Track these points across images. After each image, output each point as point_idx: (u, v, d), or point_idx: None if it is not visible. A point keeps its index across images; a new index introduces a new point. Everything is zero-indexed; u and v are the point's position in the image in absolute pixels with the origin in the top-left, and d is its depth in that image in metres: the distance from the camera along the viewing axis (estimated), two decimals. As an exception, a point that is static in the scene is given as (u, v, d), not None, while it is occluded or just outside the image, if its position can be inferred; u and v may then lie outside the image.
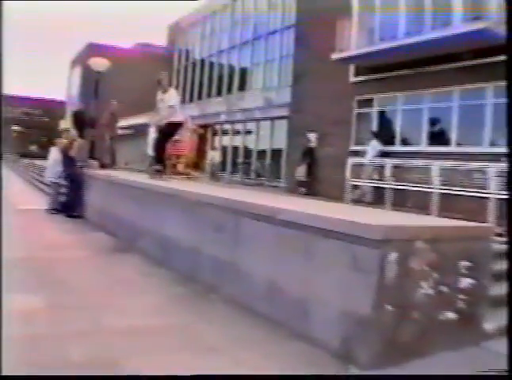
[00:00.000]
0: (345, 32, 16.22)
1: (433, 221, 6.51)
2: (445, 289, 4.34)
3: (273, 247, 5.07)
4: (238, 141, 28.85)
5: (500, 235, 8.03)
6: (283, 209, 5.14)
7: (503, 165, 11.31)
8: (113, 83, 28.54)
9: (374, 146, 15.49)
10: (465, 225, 5.26)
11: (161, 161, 9.93)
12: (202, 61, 33.84)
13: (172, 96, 9.67)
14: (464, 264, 4.50)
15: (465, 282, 4.51)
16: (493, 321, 4.92)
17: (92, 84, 18.76)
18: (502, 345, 4.60)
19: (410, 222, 5.06)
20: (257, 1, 27.61)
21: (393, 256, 3.93)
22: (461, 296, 4.50)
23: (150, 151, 12.59)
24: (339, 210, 6.49)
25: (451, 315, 4.42)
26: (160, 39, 41.90)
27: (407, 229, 4.36)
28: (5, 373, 3.21)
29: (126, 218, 8.99)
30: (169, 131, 9.75)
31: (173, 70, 35.99)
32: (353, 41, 16.23)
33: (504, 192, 10.95)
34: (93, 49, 39.45)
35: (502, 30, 12.13)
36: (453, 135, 14.16)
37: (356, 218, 4.48)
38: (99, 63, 18.03)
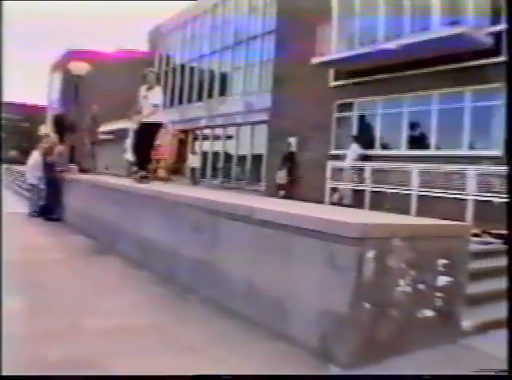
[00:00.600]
0: (325, 36, 16.31)
1: (410, 220, 6.52)
2: (422, 287, 4.35)
3: (251, 247, 5.06)
4: (218, 146, 28.84)
5: (477, 235, 8.15)
6: (260, 208, 5.13)
7: (481, 168, 11.48)
8: (94, 88, 28.40)
9: (354, 150, 15.59)
10: (442, 223, 5.27)
11: (143, 164, 9.37)
12: (183, 66, 33.83)
13: (157, 95, 9.20)
14: (442, 261, 4.51)
15: (443, 280, 4.53)
16: (470, 319, 4.95)
17: (72, 88, 18.67)
18: (479, 342, 4.69)
19: (388, 221, 5.08)
20: (238, 6, 27.65)
21: (371, 253, 3.93)
22: (439, 294, 4.51)
23: (129, 156, 12.53)
24: (317, 209, 6.48)
25: (429, 313, 4.43)
26: (141, 44, 41.83)
27: (384, 226, 4.37)
28: (5, 373, 3.20)
29: (105, 221, 8.95)
30: (149, 131, 9.05)
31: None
32: (332, 45, 16.34)
33: (482, 194, 11.10)
34: (74, 54, 39.20)
35: (479, 35, 12.37)
36: (433, 139, 14.29)
37: (333, 216, 4.48)
38: (79, 67, 17.95)
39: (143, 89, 9.15)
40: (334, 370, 3.83)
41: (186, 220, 6.28)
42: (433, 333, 4.47)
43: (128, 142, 13.33)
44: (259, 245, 4.94)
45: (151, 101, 8.92)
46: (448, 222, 5.36)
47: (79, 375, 3.35)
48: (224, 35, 28.92)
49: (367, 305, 3.95)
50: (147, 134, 9.12)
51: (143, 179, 8.92)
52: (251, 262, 5.02)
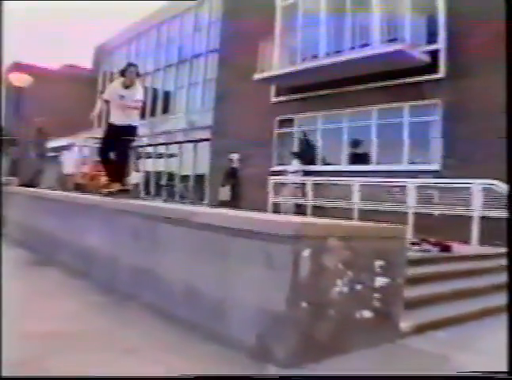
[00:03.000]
0: (267, 52, 16.47)
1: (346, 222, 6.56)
2: (360, 287, 4.36)
3: (189, 250, 5.02)
4: (161, 164, 28.59)
5: (416, 244, 8.30)
6: (197, 212, 5.10)
7: (420, 181, 11.75)
8: (38, 103, 27.91)
9: (295, 166, 15.73)
10: (378, 225, 5.32)
11: (118, 176, 8.11)
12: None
13: (139, 93, 8.00)
14: (379, 262, 4.52)
15: (380, 280, 4.54)
16: (409, 321, 4.97)
17: (13, 101, 18.25)
18: (417, 342, 4.73)
19: (323, 221, 5.08)
20: (183, 24, 27.65)
21: (306, 252, 3.91)
22: (376, 294, 4.53)
23: (65, 169, 12.21)
24: (255, 214, 6.47)
25: (367, 313, 4.43)
26: (86, 61, 41.31)
27: (319, 225, 4.39)
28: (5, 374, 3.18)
29: (45, 232, 8.75)
30: (123, 134, 7.90)
31: (97, 92, 35.52)
32: (274, 61, 16.52)
33: (421, 206, 11.37)
34: (18, 67, 38.35)
35: (417, 52, 12.72)
36: (373, 154, 14.52)
37: (269, 217, 4.47)
38: (20, 79, 17.59)
39: (117, 86, 8.04)
40: (272, 370, 3.78)
41: (126, 227, 6.23)
42: (372, 334, 4.48)
43: (66, 155, 13.05)
44: (198, 248, 4.91)
45: (134, 97, 7.83)
46: (384, 224, 5.39)
47: (79, 375, 3.35)
48: (168, 53, 28.85)
49: (304, 305, 3.93)
50: (119, 137, 7.91)
51: (119, 193, 7.73)
52: (190, 266, 4.97)
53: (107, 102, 8.26)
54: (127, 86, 7.89)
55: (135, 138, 8.42)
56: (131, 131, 8.03)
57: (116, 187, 7.94)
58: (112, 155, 8.13)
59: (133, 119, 8.03)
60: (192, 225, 4.95)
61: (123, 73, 8.04)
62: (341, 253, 4.17)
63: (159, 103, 29.22)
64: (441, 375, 3.83)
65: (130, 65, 8.25)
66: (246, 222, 4.40)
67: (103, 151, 8.23)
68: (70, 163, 21.08)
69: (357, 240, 4.38)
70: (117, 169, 8.13)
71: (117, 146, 7.98)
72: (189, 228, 4.99)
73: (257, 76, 16.81)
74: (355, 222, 5.41)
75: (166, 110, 28.46)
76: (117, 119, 7.97)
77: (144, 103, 8.37)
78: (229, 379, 3.60)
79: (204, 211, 5.11)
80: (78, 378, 3.35)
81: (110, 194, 7.76)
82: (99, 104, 8.70)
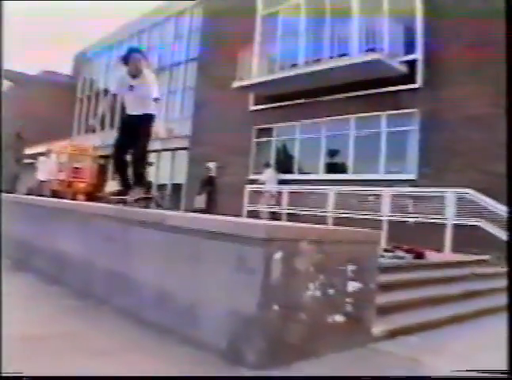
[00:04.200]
0: (246, 61, 16.53)
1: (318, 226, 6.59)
2: (332, 291, 4.36)
3: (162, 254, 5.01)
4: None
5: (389, 251, 8.36)
6: (171, 215, 5.08)
7: (395, 190, 11.87)
8: (17, 110, 27.67)
9: (271, 175, 15.79)
10: (350, 229, 5.35)
11: (139, 180, 6.81)
12: (106, 91, 33.33)
13: (153, 83, 6.70)
14: (351, 267, 4.54)
15: (352, 285, 4.55)
16: (381, 326, 5.00)
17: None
18: (388, 346, 4.75)
19: (295, 224, 5.10)
20: (164, 32, 27.64)
21: (278, 255, 3.91)
22: (348, 298, 4.53)
23: (41, 177, 12.02)
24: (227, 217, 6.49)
25: (338, 317, 4.44)
26: (66, 68, 41.08)
27: (291, 228, 4.41)
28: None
29: (18, 238, 8.56)
30: (143, 124, 6.70)
31: (76, 99, 35.35)
32: (253, 70, 16.58)
33: (396, 215, 11.47)
34: (-4, 73, 37.98)
35: (394, 62, 12.86)
36: (350, 163, 14.62)
37: (241, 220, 4.48)
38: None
39: (124, 76, 6.82)
40: (243, 372, 3.77)
41: (100, 231, 6.17)
42: (344, 337, 4.49)
43: (43, 161, 12.88)
44: (171, 251, 4.90)
45: (151, 93, 6.62)
46: (357, 228, 5.43)
47: (79, 376, 3.34)
48: (148, 61, 28.79)
49: (276, 307, 3.92)
50: (135, 132, 6.67)
51: (142, 202, 6.67)
52: (163, 269, 4.95)
53: (115, 96, 7.53)
54: (133, 75, 6.68)
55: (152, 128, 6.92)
56: (147, 120, 6.74)
57: (137, 194, 6.70)
58: (127, 157, 6.95)
59: (149, 108, 6.75)
60: (165, 228, 4.93)
61: (125, 60, 6.74)
62: (313, 257, 4.17)
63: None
64: (442, 376, 3.84)
65: (132, 50, 6.92)
66: (218, 224, 4.42)
67: (118, 151, 6.98)
68: (46, 170, 20.95)
69: (330, 244, 4.39)
70: (136, 171, 6.82)
71: (134, 144, 6.73)
72: (162, 231, 4.98)
73: (235, 84, 16.87)
74: (327, 226, 5.41)
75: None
76: (132, 110, 6.87)
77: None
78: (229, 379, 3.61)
79: (177, 214, 5.10)
80: (78, 378, 3.35)
81: (127, 203, 6.61)
82: (102, 106, 8.14)
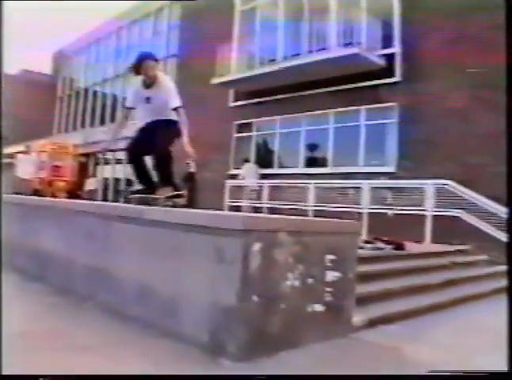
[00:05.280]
0: (225, 56, 16.52)
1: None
2: (311, 281, 4.39)
3: (143, 248, 4.99)
4: (120, 169, 28.34)
5: (369, 242, 8.44)
6: (150, 209, 5.07)
7: (374, 182, 11.96)
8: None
9: (250, 170, 15.82)
10: (329, 220, 5.40)
11: (166, 177, 6.31)
12: (86, 89, 33.12)
13: (171, 90, 6.04)
14: (330, 257, 4.57)
15: (331, 275, 4.59)
16: (361, 316, 5.05)
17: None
18: (369, 336, 4.81)
19: (273, 216, 5.13)
20: (143, 30, 27.52)
21: (256, 246, 3.93)
22: (328, 289, 4.56)
23: (20, 175, 11.82)
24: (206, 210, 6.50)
25: (319, 307, 4.47)
26: (45, 67, 40.67)
27: (269, 219, 4.43)
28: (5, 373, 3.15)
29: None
30: (165, 126, 6.13)
31: (56, 98, 35.10)
32: (233, 65, 16.57)
33: (375, 207, 11.56)
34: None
35: (372, 56, 12.94)
36: (330, 157, 14.69)
37: (219, 212, 4.50)
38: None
39: (139, 87, 6.18)
40: (225, 364, 3.79)
41: (80, 227, 6.13)
42: (324, 327, 4.52)
43: (22, 160, 12.72)
44: (150, 245, 4.88)
45: (162, 99, 5.99)
46: (335, 219, 5.47)
47: (79, 375, 3.33)
48: (128, 59, 28.63)
49: (255, 298, 3.94)
50: (155, 131, 6.11)
51: (172, 200, 6.24)
52: (143, 263, 4.94)
53: (130, 109, 6.48)
54: (148, 85, 6.07)
55: (176, 133, 6.18)
56: (167, 122, 6.12)
57: (167, 192, 6.26)
58: (145, 157, 6.45)
59: (170, 116, 6.11)
60: (144, 222, 4.93)
61: (137, 70, 6.06)
62: (291, 247, 4.20)
63: (119, 109, 28.98)
64: (441, 375, 3.88)
65: (142, 57, 6.09)
66: (196, 217, 4.43)
67: (133, 150, 6.38)
68: (26, 168, 20.81)
69: (308, 234, 4.42)
70: (161, 172, 6.32)
71: (154, 141, 6.07)
72: (141, 225, 4.97)
73: (215, 80, 16.88)
74: (306, 218, 5.43)
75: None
76: (150, 119, 6.30)
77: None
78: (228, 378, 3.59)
79: (155, 208, 5.10)
80: (78, 378, 3.34)
81: (157, 200, 6.18)
82: (119, 120, 7.05)
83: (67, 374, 3.34)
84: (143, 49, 26.63)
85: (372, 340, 4.74)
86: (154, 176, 6.41)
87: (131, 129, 6.63)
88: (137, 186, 6.60)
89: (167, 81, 6.14)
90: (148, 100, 6.08)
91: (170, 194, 6.23)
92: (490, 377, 3.73)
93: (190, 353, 3.99)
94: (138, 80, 6.17)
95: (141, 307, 4.85)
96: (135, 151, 6.34)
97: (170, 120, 6.08)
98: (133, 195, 6.58)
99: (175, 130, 6.07)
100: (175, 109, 5.98)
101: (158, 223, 4.74)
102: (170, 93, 5.97)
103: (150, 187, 6.37)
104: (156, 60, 6.14)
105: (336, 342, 4.51)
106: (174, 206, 6.11)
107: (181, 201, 6.39)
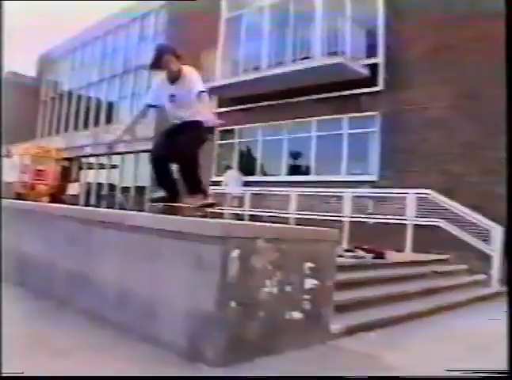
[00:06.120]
0: (209, 63, 16.53)
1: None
2: (289, 288, 4.40)
3: (123, 253, 4.99)
4: (103, 174, 28.24)
5: (350, 251, 8.48)
6: (131, 214, 5.07)
7: (356, 191, 12.03)
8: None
9: (232, 177, 15.83)
10: (307, 227, 5.43)
11: (192, 184, 5.96)
12: (70, 93, 32.97)
13: (195, 81, 5.48)
14: (309, 265, 4.59)
15: (310, 282, 4.61)
16: (340, 323, 5.08)
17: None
18: (347, 343, 4.84)
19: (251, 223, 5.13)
20: (129, 34, 27.47)
21: (235, 253, 3.94)
22: (306, 296, 4.58)
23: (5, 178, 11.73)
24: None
25: (297, 314, 4.48)
26: (30, 70, 40.42)
27: (247, 227, 4.45)
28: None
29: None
30: (191, 128, 5.62)
31: (39, 101, 34.92)
32: (217, 72, 16.59)
33: (357, 216, 11.62)
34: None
35: (356, 65, 13.03)
36: (312, 164, 14.77)
37: (198, 219, 4.51)
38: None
39: (163, 84, 5.68)
40: (203, 369, 3.79)
41: (61, 232, 6.10)
42: (303, 334, 4.54)
43: (4, 163, 12.62)
44: (131, 251, 4.88)
45: (187, 93, 5.46)
46: (314, 227, 5.48)
47: (79, 375, 3.35)
48: (113, 63, 28.58)
49: (233, 305, 3.95)
50: (180, 134, 5.67)
51: (199, 209, 5.84)
52: (123, 268, 4.94)
53: (150, 107, 6.03)
54: (173, 80, 5.57)
55: (203, 137, 5.91)
56: (193, 124, 5.62)
57: (195, 200, 5.90)
58: (169, 165, 5.97)
59: (198, 115, 5.56)
60: (125, 228, 4.92)
61: (157, 65, 5.57)
62: (270, 254, 4.21)
63: (103, 113, 28.90)
64: (442, 376, 3.90)
65: (160, 51, 5.62)
66: (176, 223, 4.43)
67: (157, 154, 5.95)
68: (8, 171, 20.68)
69: (287, 242, 4.44)
70: (187, 178, 5.92)
71: (179, 146, 5.67)
72: (122, 231, 4.96)
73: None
74: (285, 225, 5.45)
75: (109, 120, 28.13)
76: (177, 120, 5.85)
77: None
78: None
79: (136, 214, 5.10)
80: (78, 378, 3.35)
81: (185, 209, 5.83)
82: (135, 117, 6.55)
83: (67, 375, 3.35)
84: (129, 54, 26.77)
85: (349, 347, 4.77)
86: (179, 182, 6.02)
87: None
88: (158, 193, 6.20)
89: (192, 74, 5.55)
90: (173, 97, 5.60)
91: (201, 203, 5.86)
92: (491, 377, 3.78)
93: (168, 358, 3.99)
94: (160, 78, 5.72)
95: (120, 312, 4.84)
96: (159, 156, 5.87)
97: (197, 123, 5.56)
98: (156, 203, 6.18)
99: (202, 133, 5.74)
100: (198, 96, 5.40)
101: (138, 229, 4.73)
102: (194, 84, 5.43)
103: (173, 194, 5.95)
104: (175, 52, 5.60)
105: (314, 349, 4.53)
106: (205, 216, 5.77)
107: (212, 210, 5.91)
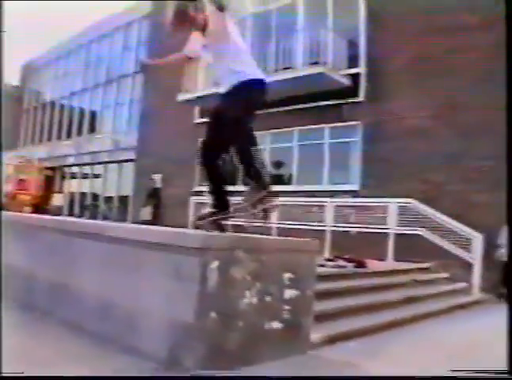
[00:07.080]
0: (192, 73, 16.54)
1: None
2: (269, 299, 4.41)
3: (103, 264, 4.97)
4: (86, 184, 28.10)
5: (331, 260, 8.52)
6: (111, 225, 5.07)
7: (338, 200, 12.09)
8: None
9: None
10: (286, 238, 5.46)
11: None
12: (53, 102, 32.80)
13: (223, 28, 4.56)
14: (288, 275, 4.61)
15: (289, 293, 4.62)
16: (320, 333, 5.11)
17: None
18: (328, 352, 4.87)
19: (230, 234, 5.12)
20: (113, 44, 27.43)
21: (214, 264, 3.96)
22: (286, 306, 4.59)
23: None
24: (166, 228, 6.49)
25: (277, 324, 4.49)
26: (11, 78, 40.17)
27: (225, 237, 4.44)
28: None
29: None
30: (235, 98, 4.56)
31: (22, 110, 34.71)
32: (198, 83, 16.60)
33: (338, 225, 11.68)
34: None
35: (337, 75, 13.13)
36: (294, 174, 14.85)
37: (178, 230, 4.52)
38: None
39: (196, 37, 4.58)
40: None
41: (42, 242, 6.09)
42: (283, 345, 4.53)
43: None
44: (111, 262, 4.87)
45: (221, 48, 4.62)
46: (293, 238, 5.51)
47: (79, 376, 3.37)
48: (97, 72, 28.51)
49: (213, 315, 3.95)
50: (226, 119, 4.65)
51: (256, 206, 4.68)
52: (104, 279, 4.93)
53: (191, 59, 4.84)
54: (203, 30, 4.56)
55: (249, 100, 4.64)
56: (235, 95, 4.58)
57: (253, 196, 4.88)
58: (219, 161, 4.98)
59: (237, 71, 4.58)
60: (105, 239, 4.91)
61: (183, 19, 4.61)
62: (249, 265, 4.23)
63: (85, 122, 28.79)
64: (442, 376, 3.92)
65: (180, 10, 4.61)
66: (156, 234, 4.45)
67: (204, 150, 4.92)
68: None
69: (266, 252, 4.46)
70: (246, 168, 4.91)
71: (222, 134, 4.78)
72: (102, 242, 4.95)
73: (180, 97, 16.91)
74: (264, 236, 5.46)
75: (92, 130, 28.05)
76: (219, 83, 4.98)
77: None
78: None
79: (115, 225, 5.10)
80: (78, 378, 3.37)
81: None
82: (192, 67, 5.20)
83: (67, 375, 3.38)
84: (112, 63, 26.73)
85: (329, 356, 4.80)
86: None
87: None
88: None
89: (217, 16, 4.54)
90: (206, 48, 4.70)
91: (257, 198, 4.78)
92: (491, 377, 3.83)
93: (148, 369, 3.97)
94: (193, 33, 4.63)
95: (101, 323, 4.82)
96: (206, 151, 4.89)
97: (235, 89, 4.55)
98: (206, 221, 4.94)
99: (246, 98, 4.56)
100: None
101: (118, 240, 4.72)
102: (223, 30, 4.55)
103: (223, 208, 5.02)
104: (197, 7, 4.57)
105: (294, 359, 4.54)
106: (266, 212, 4.75)
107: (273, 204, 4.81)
